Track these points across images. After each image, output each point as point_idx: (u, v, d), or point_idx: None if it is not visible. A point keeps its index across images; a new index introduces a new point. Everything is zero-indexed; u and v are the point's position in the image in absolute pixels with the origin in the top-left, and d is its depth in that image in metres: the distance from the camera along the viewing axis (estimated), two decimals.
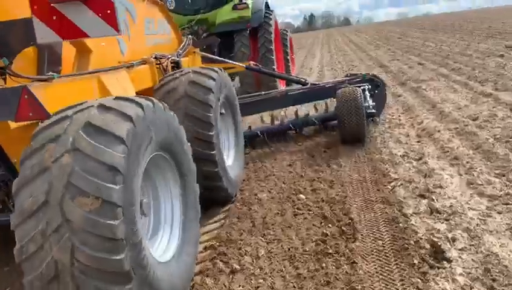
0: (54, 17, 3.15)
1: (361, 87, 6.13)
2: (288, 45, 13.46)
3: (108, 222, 2.13)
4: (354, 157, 5.51)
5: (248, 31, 10.38)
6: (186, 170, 3.17)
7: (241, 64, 6.96)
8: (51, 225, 2.12)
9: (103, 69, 3.44)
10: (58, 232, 2.12)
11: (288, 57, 13.46)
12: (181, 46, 5.44)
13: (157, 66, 4.42)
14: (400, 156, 5.29)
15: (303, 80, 6.99)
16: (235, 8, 10.35)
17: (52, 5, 3.10)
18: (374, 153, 5.49)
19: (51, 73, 2.98)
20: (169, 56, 4.70)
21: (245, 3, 10.45)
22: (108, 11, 3.17)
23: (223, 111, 4.58)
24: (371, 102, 6.20)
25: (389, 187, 4.40)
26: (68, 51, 3.48)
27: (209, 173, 4.02)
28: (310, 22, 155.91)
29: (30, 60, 3.44)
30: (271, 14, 11.00)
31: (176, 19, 10.58)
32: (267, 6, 11.57)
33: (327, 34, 51.36)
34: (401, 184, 4.42)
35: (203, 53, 6.33)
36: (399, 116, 7.36)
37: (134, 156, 2.39)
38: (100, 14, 3.19)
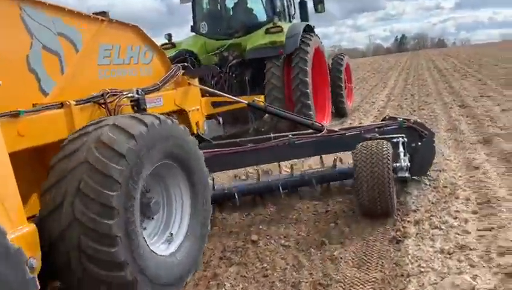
0: None
1: (394, 140, 4.72)
2: (343, 74, 11.28)
3: None
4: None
5: (281, 59, 8.70)
6: None
7: (242, 101, 5.91)
8: None
9: None
10: None
11: (342, 90, 11.09)
12: (162, 78, 4.64)
13: (102, 106, 3.67)
14: None
15: (318, 125, 5.60)
16: (267, 31, 8.92)
17: None
18: None
19: None
20: (125, 93, 3.84)
21: (279, 26, 8.89)
22: None
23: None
24: (405, 161, 4.64)
25: None
26: None
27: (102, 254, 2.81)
28: (400, 43, 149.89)
29: None
30: (311, 39, 8.80)
31: (207, 44, 9.11)
32: (309, 29, 9.37)
33: (412, 57, 46.95)
34: None
35: (202, 86, 5.56)
36: (465, 220, 4.18)
37: None
38: None
